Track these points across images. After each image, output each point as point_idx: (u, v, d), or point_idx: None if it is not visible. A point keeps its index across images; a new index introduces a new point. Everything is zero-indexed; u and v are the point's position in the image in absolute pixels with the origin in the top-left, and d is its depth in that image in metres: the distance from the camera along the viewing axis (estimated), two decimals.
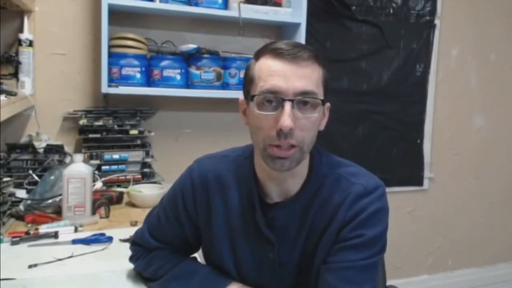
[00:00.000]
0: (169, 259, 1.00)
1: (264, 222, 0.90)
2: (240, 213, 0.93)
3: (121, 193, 1.70)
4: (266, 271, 0.93)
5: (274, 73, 0.81)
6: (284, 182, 0.89)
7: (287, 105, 0.79)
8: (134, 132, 1.87)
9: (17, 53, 1.71)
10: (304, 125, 0.81)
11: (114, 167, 1.83)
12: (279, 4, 2.03)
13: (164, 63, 1.90)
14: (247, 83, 0.87)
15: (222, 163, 0.97)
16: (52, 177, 1.55)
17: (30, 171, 1.65)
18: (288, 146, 0.81)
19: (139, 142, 1.90)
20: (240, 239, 0.93)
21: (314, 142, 0.87)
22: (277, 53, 0.82)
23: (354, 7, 2.37)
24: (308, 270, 0.90)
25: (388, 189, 0.91)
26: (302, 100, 0.81)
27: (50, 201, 1.50)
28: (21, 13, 1.75)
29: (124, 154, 1.85)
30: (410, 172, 2.63)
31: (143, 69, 1.86)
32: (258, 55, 0.86)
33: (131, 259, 1.06)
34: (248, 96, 0.86)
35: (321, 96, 0.84)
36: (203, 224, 0.97)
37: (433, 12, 2.55)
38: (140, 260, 1.04)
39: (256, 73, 0.85)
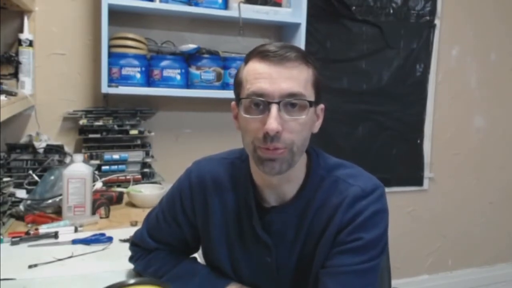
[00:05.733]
0: (168, 259, 1.00)
1: (261, 226, 0.89)
2: (237, 217, 0.92)
3: (121, 193, 1.70)
4: (263, 274, 0.93)
5: (260, 75, 0.80)
6: (280, 187, 0.88)
7: (274, 108, 0.78)
8: (134, 132, 1.87)
9: (17, 53, 1.71)
10: (293, 127, 0.80)
11: (114, 167, 1.83)
12: (279, 4, 2.03)
13: (164, 63, 1.90)
14: (237, 87, 0.86)
15: (219, 166, 0.96)
16: (52, 177, 1.55)
17: (30, 171, 1.65)
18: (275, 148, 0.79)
19: (139, 142, 1.90)
20: (237, 242, 0.93)
21: (307, 145, 0.85)
22: (264, 56, 0.81)
23: (354, 7, 2.37)
24: (306, 273, 0.89)
25: (388, 189, 0.90)
26: (289, 102, 0.79)
27: (50, 201, 1.50)
28: (21, 13, 1.74)
29: (124, 154, 1.85)
30: (410, 172, 2.63)
31: (143, 69, 1.86)
32: (247, 58, 0.86)
33: (131, 259, 1.07)
34: (237, 100, 0.85)
35: (310, 98, 0.82)
36: (201, 226, 0.97)
37: (433, 12, 2.55)
38: (139, 260, 1.04)
39: (244, 77, 0.84)
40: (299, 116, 0.80)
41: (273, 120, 0.77)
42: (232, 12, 1.92)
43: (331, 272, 0.83)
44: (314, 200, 0.88)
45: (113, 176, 1.80)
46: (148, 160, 1.90)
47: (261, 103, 0.79)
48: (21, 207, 1.48)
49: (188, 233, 1.00)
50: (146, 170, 1.90)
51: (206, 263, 1.02)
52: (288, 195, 0.89)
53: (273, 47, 0.81)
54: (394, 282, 1.34)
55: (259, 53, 0.82)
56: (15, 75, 1.70)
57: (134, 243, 1.06)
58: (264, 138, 0.78)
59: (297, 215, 0.88)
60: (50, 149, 1.72)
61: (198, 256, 1.08)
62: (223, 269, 0.96)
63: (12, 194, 1.52)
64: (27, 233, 1.30)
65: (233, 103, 0.89)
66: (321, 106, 0.89)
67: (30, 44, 1.72)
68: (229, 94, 1.98)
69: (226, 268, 0.95)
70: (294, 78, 0.80)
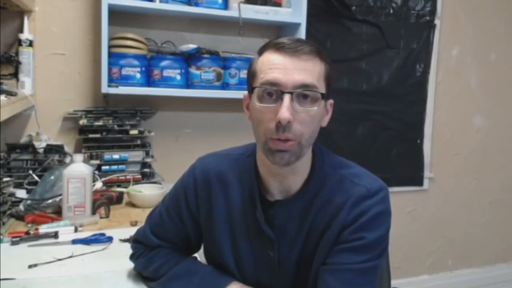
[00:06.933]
0: (170, 257, 1.00)
1: (264, 220, 0.90)
2: (241, 210, 0.94)
3: (121, 193, 1.70)
4: (265, 268, 0.93)
5: (275, 66, 0.82)
6: (285, 179, 0.90)
7: (286, 98, 0.80)
8: (134, 132, 1.87)
9: (17, 53, 1.71)
10: (303, 118, 0.82)
11: (114, 167, 1.83)
12: (279, 4, 2.03)
13: (164, 63, 1.90)
14: (250, 77, 0.88)
15: (224, 161, 0.98)
16: (52, 177, 1.55)
17: (30, 171, 1.65)
18: (286, 139, 0.81)
19: (139, 142, 1.90)
20: (241, 236, 0.94)
21: (315, 137, 0.87)
22: (279, 47, 0.83)
23: (354, 7, 2.37)
24: (307, 269, 0.90)
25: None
26: (302, 93, 0.81)
27: (50, 201, 1.50)
28: (21, 13, 1.74)
29: (124, 154, 1.85)
30: (410, 172, 2.63)
31: (143, 69, 1.86)
32: (262, 50, 0.88)
33: (132, 257, 1.07)
34: (250, 89, 0.87)
35: (322, 90, 0.84)
36: (204, 221, 0.98)
37: (433, 12, 2.55)
38: (141, 258, 1.04)
39: (258, 67, 0.86)
40: (311, 107, 0.83)
41: (285, 110, 0.79)
42: (232, 12, 1.92)
43: (332, 269, 0.85)
44: (318, 196, 0.89)
45: (113, 176, 1.80)
46: (148, 160, 1.90)
47: (274, 93, 0.82)
48: (21, 207, 1.48)
49: (191, 230, 1.00)
50: (146, 170, 1.90)
51: (207, 261, 1.02)
52: (293, 189, 0.90)
53: (288, 40, 0.84)
54: (394, 282, 1.35)
55: (274, 45, 0.84)
56: (15, 75, 1.70)
57: (137, 240, 1.06)
58: (276, 128, 0.80)
59: (300, 210, 0.90)
60: (50, 149, 1.72)
61: (199, 255, 1.08)
62: (225, 264, 0.96)
63: (12, 194, 1.52)
64: (27, 233, 1.30)
65: (245, 93, 0.92)
66: (331, 101, 0.91)
67: (30, 44, 1.72)
68: (229, 94, 1.99)
69: (229, 263, 0.95)
70: (308, 70, 0.82)
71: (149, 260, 1.02)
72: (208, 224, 0.97)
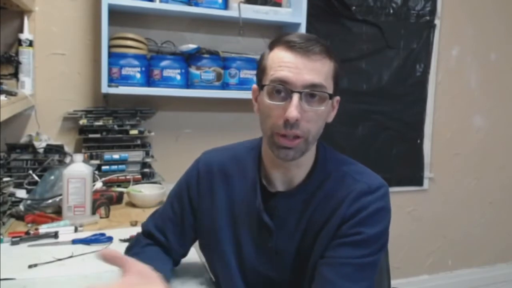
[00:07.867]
0: (149, 256, 0.98)
1: (264, 210, 0.92)
2: (243, 201, 0.95)
3: (121, 193, 1.70)
4: (264, 259, 0.94)
5: (285, 64, 0.84)
6: (289, 171, 0.91)
7: (295, 97, 0.82)
8: (134, 132, 1.87)
9: (17, 53, 1.70)
10: (311, 117, 0.84)
11: (114, 167, 1.83)
12: (279, 4, 2.03)
13: (164, 63, 1.90)
14: (260, 72, 0.90)
15: (228, 155, 1.00)
16: (52, 177, 1.55)
17: (30, 171, 1.65)
18: (293, 136, 0.83)
19: (139, 142, 1.90)
20: (242, 226, 0.95)
21: (321, 133, 0.89)
22: (290, 46, 0.84)
23: (354, 7, 2.37)
24: (305, 261, 0.91)
25: None
26: (310, 93, 0.83)
27: (50, 201, 1.50)
28: (21, 13, 1.74)
29: (124, 154, 1.85)
30: (410, 172, 2.63)
31: (143, 69, 1.86)
32: (272, 45, 0.89)
33: (127, 247, 1.07)
34: (260, 85, 0.89)
35: (330, 90, 0.86)
36: (205, 213, 0.99)
37: (433, 12, 2.55)
38: (130, 251, 1.03)
39: (268, 63, 0.87)
40: (318, 107, 0.85)
41: (294, 109, 0.81)
42: (232, 12, 1.92)
43: (330, 263, 0.85)
44: (320, 190, 0.91)
45: (113, 176, 1.80)
46: (148, 160, 1.90)
47: (283, 90, 0.84)
48: (21, 207, 1.48)
49: (188, 226, 1.01)
50: (146, 170, 1.90)
51: (204, 254, 1.03)
52: (296, 181, 0.92)
53: (298, 38, 0.85)
54: (394, 282, 1.34)
55: (285, 43, 0.85)
56: (15, 75, 1.70)
57: (139, 233, 1.08)
58: (284, 125, 0.82)
59: (301, 202, 0.91)
60: (50, 149, 1.72)
61: (197, 252, 1.08)
62: (225, 255, 0.96)
63: (12, 194, 1.51)
64: (27, 233, 1.30)
65: (254, 85, 0.94)
66: (337, 98, 0.93)
67: (30, 44, 1.72)
68: (229, 94, 1.99)
69: (228, 254, 0.96)
70: (317, 70, 0.84)
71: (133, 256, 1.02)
72: (209, 215, 0.98)
